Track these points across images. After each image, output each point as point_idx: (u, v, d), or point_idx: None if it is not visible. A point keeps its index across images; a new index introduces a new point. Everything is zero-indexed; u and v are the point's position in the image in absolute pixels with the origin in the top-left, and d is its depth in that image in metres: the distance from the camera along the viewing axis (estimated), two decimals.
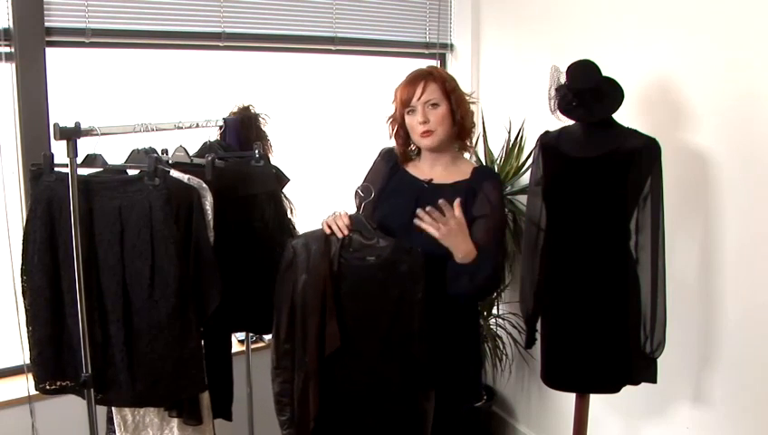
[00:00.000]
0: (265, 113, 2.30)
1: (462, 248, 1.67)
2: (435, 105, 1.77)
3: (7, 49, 2.20)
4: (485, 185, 1.79)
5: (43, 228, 1.76)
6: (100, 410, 1.85)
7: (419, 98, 1.77)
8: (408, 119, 1.81)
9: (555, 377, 2.17)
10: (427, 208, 1.64)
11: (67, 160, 1.69)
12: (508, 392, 3.14)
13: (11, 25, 2.19)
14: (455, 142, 1.85)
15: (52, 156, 1.79)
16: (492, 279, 1.76)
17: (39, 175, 1.78)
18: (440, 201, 1.64)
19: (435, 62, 3.13)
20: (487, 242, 1.72)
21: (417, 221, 1.65)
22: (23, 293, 1.82)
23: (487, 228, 1.75)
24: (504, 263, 1.85)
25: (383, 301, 1.67)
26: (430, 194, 1.78)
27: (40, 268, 1.77)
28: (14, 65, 2.22)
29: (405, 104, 1.80)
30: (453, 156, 1.86)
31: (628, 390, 2.09)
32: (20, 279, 1.81)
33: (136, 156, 1.93)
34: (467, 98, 1.85)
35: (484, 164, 2.92)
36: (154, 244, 1.71)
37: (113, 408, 1.96)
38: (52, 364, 1.80)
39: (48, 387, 1.82)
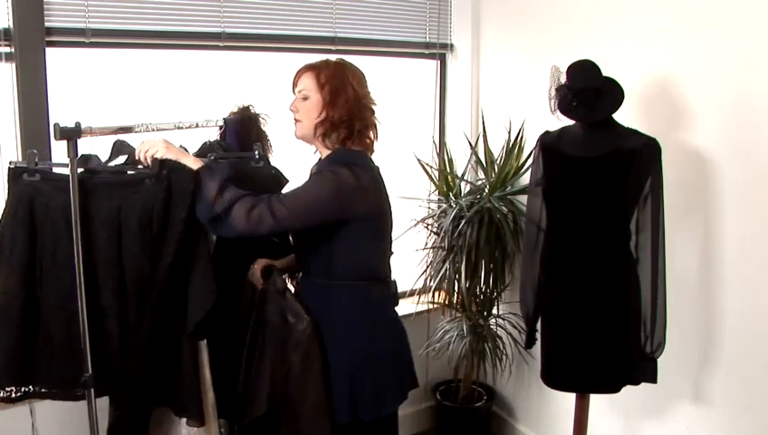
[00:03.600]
0: (265, 113, 2.29)
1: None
2: (305, 97, 1.80)
3: (7, 49, 2.19)
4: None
5: (26, 231, 1.70)
6: (102, 412, 1.85)
7: (295, 87, 1.84)
8: None
9: (555, 377, 2.17)
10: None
11: (67, 160, 1.68)
12: (508, 392, 3.14)
13: (11, 25, 2.19)
14: (325, 136, 1.81)
15: (36, 154, 1.74)
16: (234, 201, 1.66)
17: (20, 174, 1.72)
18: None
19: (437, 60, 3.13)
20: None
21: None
22: None
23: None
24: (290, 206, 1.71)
25: None
26: None
27: (19, 273, 1.69)
28: (14, 65, 2.21)
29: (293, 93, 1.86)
30: (326, 148, 1.83)
31: (628, 390, 2.09)
32: None
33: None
34: (364, 100, 1.81)
35: (484, 164, 2.92)
36: (154, 243, 1.71)
37: None
38: (21, 370, 1.74)
39: (13, 395, 1.76)
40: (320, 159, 1.87)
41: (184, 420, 1.91)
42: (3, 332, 1.72)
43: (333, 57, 1.88)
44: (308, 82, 1.80)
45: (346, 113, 1.78)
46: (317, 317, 1.79)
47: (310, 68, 1.82)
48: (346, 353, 1.80)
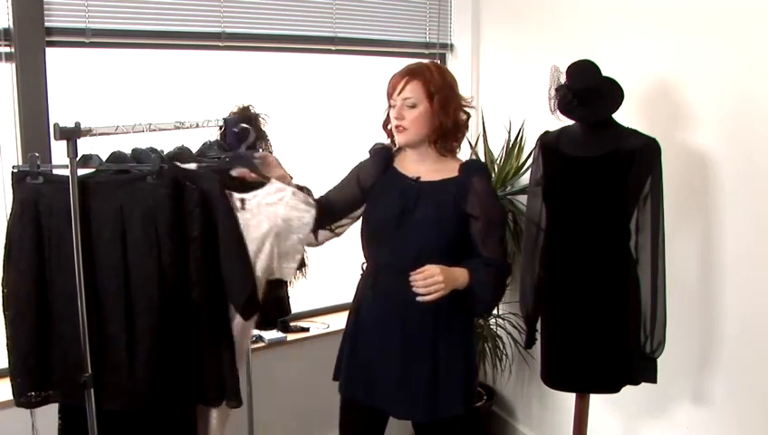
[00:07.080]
0: (265, 113, 2.29)
1: (459, 283, 1.73)
2: (413, 106, 1.76)
3: (7, 49, 2.20)
4: (474, 181, 1.78)
5: (33, 233, 1.69)
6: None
7: (399, 93, 1.77)
8: (390, 111, 1.82)
9: (555, 377, 2.17)
10: (412, 277, 1.68)
11: (66, 161, 1.68)
12: (508, 392, 3.14)
13: (11, 25, 2.19)
14: (438, 143, 1.82)
15: (38, 157, 1.73)
16: (499, 284, 1.83)
17: (23, 177, 1.71)
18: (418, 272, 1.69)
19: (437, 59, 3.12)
20: (485, 246, 1.77)
21: (419, 299, 1.69)
22: (3, 302, 1.71)
23: (480, 229, 1.77)
24: (505, 254, 1.90)
25: None
26: (417, 191, 1.80)
27: (29, 275, 1.69)
28: (14, 65, 2.21)
29: (388, 97, 1.81)
30: (439, 153, 1.84)
31: (628, 390, 2.09)
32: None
33: (137, 155, 1.93)
34: (463, 103, 1.83)
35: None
36: (160, 241, 1.70)
37: None
38: (39, 374, 1.74)
39: (33, 400, 1.75)
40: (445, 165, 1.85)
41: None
42: (18, 336, 1.71)
43: (426, 60, 1.87)
44: (416, 90, 1.76)
45: (453, 121, 1.79)
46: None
47: (414, 74, 1.77)
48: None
